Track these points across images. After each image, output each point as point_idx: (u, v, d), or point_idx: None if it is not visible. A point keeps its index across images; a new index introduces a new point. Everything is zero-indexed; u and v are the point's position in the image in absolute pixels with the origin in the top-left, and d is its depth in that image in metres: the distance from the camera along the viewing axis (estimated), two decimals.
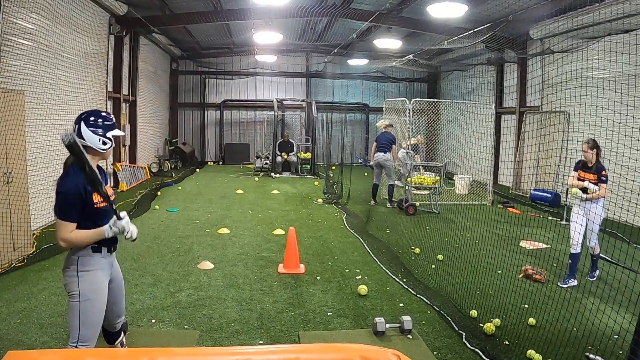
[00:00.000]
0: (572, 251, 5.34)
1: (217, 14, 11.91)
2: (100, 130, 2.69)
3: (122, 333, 3.07)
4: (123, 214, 2.71)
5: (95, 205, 2.64)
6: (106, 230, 2.65)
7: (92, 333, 2.65)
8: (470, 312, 4.48)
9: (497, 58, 12.92)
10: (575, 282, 5.36)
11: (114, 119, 2.82)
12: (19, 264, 5.62)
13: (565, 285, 5.30)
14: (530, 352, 3.70)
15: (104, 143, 2.71)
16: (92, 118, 2.70)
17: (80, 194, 2.57)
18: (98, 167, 2.81)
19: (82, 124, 2.66)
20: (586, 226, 5.35)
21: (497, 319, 4.30)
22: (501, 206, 10.32)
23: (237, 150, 18.30)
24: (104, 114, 2.77)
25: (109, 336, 3.02)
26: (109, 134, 2.73)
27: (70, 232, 2.57)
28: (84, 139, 2.64)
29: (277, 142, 15.57)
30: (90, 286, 2.64)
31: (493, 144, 10.97)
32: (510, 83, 13.01)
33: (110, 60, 10.90)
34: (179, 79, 17.99)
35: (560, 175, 10.33)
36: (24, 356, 1.62)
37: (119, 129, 2.79)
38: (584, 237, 5.35)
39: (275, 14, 11.04)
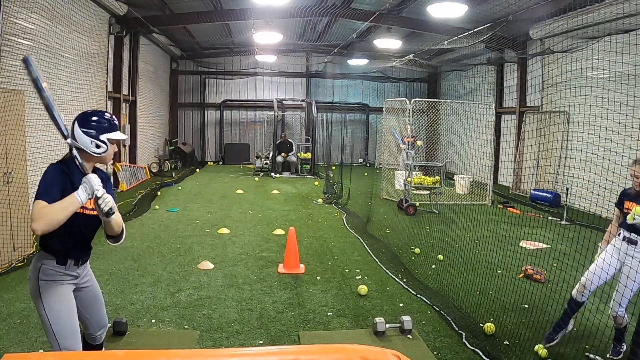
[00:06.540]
0: (574, 296, 3.79)
1: (217, 14, 11.92)
2: (93, 132, 2.47)
3: (102, 348, 2.92)
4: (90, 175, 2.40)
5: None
6: (78, 194, 2.34)
7: (73, 341, 2.53)
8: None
9: (497, 58, 12.93)
10: (560, 337, 3.86)
11: (113, 120, 2.59)
12: (19, 264, 5.62)
13: (553, 343, 3.83)
14: (538, 347, 3.75)
15: (97, 146, 2.48)
16: (85, 118, 2.50)
17: (62, 175, 2.42)
18: (96, 169, 2.62)
19: (76, 124, 2.48)
20: (612, 279, 3.73)
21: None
22: (501, 206, 10.32)
23: (237, 150, 18.31)
24: (99, 114, 2.56)
25: (89, 349, 2.84)
26: (103, 137, 2.49)
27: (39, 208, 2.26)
28: (77, 141, 2.45)
29: (277, 142, 15.55)
30: (52, 297, 2.49)
31: (493, 144, 10.97)
32: (510, 83, 13.01)
33: (110, 61, 10.91)
34: (179, 79, 17.99)
35: (560, 175, 10.33)
36: (21, 359, 1.61)
37: (120, 130, 2.55)
38: (612, 299, 3.68)
39: (275, 14, 11.04)
